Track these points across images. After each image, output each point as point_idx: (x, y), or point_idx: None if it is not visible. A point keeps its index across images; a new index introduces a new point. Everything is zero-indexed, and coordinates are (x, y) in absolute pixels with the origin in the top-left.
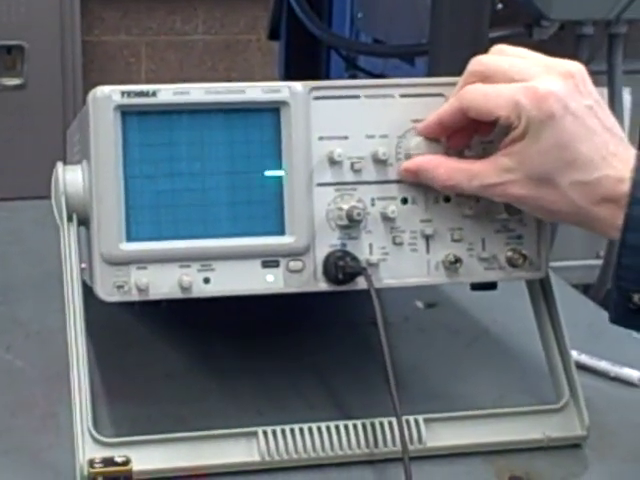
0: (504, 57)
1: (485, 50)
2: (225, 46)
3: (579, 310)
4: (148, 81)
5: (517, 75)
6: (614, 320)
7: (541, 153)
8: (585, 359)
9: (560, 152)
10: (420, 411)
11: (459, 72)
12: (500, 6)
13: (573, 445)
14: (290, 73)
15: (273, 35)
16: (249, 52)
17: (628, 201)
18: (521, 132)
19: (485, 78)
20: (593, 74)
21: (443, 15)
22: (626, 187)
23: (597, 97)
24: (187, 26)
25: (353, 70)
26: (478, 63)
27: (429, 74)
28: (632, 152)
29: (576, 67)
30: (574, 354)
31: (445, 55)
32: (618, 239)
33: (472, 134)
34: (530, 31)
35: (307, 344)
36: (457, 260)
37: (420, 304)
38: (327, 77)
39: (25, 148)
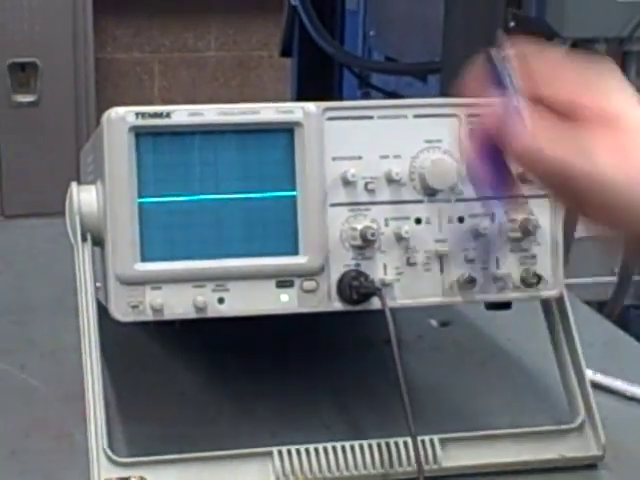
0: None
1: None
2: (238, 63)
3: (594, 329)
4: (161, 98)
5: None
6: None
7: None
8: (600, 378)
9: None
10: (435, 431)
11: None
12: (512, 24)
13: (589, 465)
14: (302, 90)
15: (285, 52)
16: (262, 69)
17: None
18: None
19: None
20: None
21: (455, 33)
22: None
23: None
24: (200, 43)
25: (366, 88)
26: None
27: (442, 93)
28: None
29: None
30: (589, 373)
31: (458, 73)
32: None
33: None
34: None
35: (321, 364)
36: (471, 280)
37: (434, 323)
38: (339, 94)
39: (38, 164)
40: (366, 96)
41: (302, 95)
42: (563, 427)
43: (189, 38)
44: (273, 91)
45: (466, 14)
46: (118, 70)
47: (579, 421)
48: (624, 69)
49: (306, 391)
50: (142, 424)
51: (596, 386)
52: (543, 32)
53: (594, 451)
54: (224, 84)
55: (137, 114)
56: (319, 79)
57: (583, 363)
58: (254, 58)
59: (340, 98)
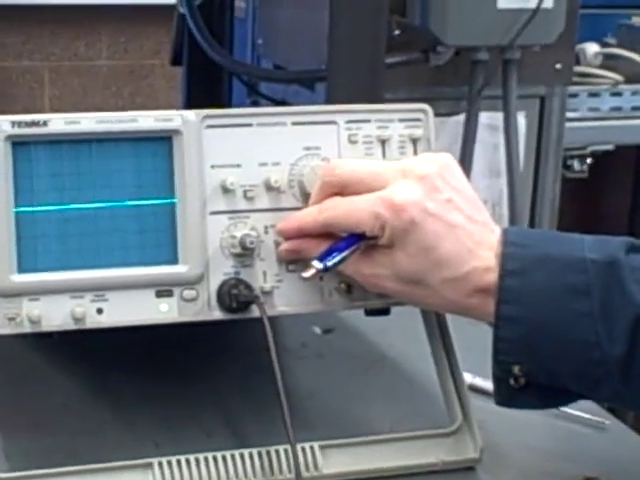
0: (358, 164)
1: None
2: (129, 71)
3: (473, 333)
4: (52, 106)
5: (374, 182)
6: (499, 401)
7: (409, 257)
8: (479, 382)
9: (427, 254)
10: (317, 437)
11: (357, 98)
12: (397, 32)
13: (467, 468)
14: (192, 99)
15: (176, 60)
16: (153, 77)
17: (500, 273)
18: (387, 241)
19: (342, 188)
20: (489, 99)
21: (340, 41)
22: (494, 276)
23: (459, 184)
24: (91, 51)
25: (255, 96)
26: (332, 174)
27: (328, 100)
28: (497, 235)
29: (432, 166)
30: (469, 377)
31: (343, 81)
32: (493, 323)
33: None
34: (427, 57)
35: (205, 372)
36: (349, 287)
37: (318, 330)
38: (229, 103)
39: None
40: (255, 104)
41: (192, 104)
42: (441, 431)
43: (80, 46)
44: (165, 99)
45: (351, 22)
46: (8, 78)
47: (456, 425)
48: (505, 77)
49: (189, 400)
50: (22, 437)
51: (475, 389)
52: (427, 40)
53: (471, 454)
54: (116, 93)
55: (13, 123)
56: (209, 87)
57: (460, 367)
58: (146, 66)
59: (230, 106)
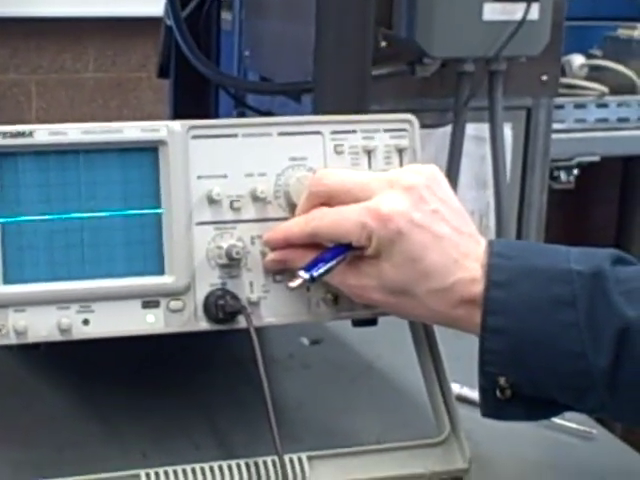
0: (345, 174)
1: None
2: (116, 84)
3: (461, 342)
4: (39, 119)
5: (360, 193)
6: (485, 413)
7: (395, 267)
8: (467, 392)
9: (413, 264)
10: (304, 448)
11: (344, 109)
12: (383, 44)
13: (455, 478)
14: (179, 111)
15: (162, 73)
16: (140, 90)
17: (485, 285)
18: (373, 251)
19: (329, 198)
20: (475, 110)
21: (326, 53)
22: (480, 287)
23: (445, 195)
24: (78, 64)
25: (241, 108)
26: (319, 184)
27: (314, 112)
28: (483, 246)
29: (418, 177)
30: (456, 387)
31: (330, 92)
32: (479, 335)
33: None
34: (413, 68)
35: (193, 383)
36: (336, 297)
37: (305, 340)
38: (216, 114)
39: None
40: (242, 116)
41: (179, 115)
42: (428, 441)
43: (67, 59)
44: (152, 112)
45: (337, 34)
46: None
47: (444, 435)
48: (491, 88)
49: (177, 411)
50: (9, 449)
51: (463, 399)
52: (413, 52)
53: (460, 464)
54: (103, 105)
55: None
56: (195, 99)
57: (448, 377)
58: (133, 79)
59: (217, 118)
